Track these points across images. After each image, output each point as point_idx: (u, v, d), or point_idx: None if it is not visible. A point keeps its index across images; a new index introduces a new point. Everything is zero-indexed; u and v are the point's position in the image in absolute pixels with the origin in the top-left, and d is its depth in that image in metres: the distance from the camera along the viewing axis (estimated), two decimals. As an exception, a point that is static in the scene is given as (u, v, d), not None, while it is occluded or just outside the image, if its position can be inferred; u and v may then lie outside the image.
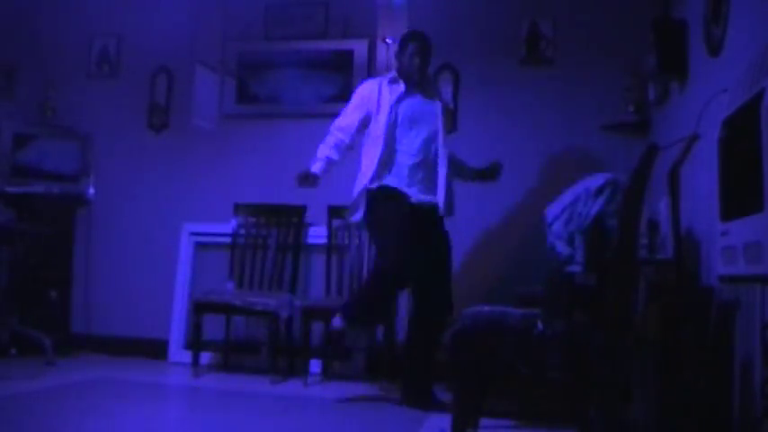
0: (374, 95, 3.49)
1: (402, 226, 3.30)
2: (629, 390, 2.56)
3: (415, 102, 3.47)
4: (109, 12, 4.98)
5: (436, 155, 3.43)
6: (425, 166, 3.42)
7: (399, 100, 3.45)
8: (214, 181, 4.69)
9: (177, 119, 4.83)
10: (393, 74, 3.55)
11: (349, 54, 4.55)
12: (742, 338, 2.23)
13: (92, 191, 4.80)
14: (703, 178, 2.65)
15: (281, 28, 4.75)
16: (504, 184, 4.30)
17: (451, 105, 4.42)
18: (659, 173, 2.75)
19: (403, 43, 3.52)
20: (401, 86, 3.48)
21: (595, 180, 2.82)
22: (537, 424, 3.04)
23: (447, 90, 4.44)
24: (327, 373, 4.13)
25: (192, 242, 4.66)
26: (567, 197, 2.94)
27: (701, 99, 2.72)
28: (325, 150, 3.51)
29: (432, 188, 3.42)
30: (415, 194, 3.39)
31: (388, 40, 4.51)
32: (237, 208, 4.42)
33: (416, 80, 3.48)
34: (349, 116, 3.53)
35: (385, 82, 3.52)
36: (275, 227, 4.34)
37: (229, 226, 4.40)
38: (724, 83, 2.43)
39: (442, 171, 3.43)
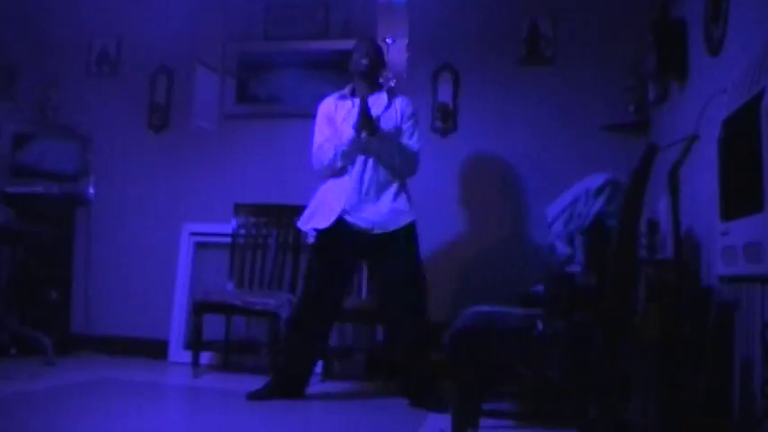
0: (331, 113, 3.51)
1: (320, 282, 3.41)
2: (629, 390, 2.56)
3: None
4: (109, 12, 4.98)
5: (374, 171, 3.38)
6: (361, 185, 3.37)
7: (346, 117, 3.44)
8: (214, 181, 4.69)
9: (177, 119, 4.83)
10: (344, 90, 3.55)
11: (349, 54, 4.55)
12: (742, 338, 2.23)
13: (92, 191, 4.80)
14: (703, 178, 2.65)
15: (281, 28, 4.75)
16: (504, 183, 4.32)
17: (451, 105, 4.43)
18: (659, 173, 2.75)
19: (353, 48, 3.55)
20: (348, 102, 3.48)
21: (595, 180, 2.83)
22: (537, 424, 3.04)
23: (447, 90, 4.45)
24: (327, 373, 4.13)
25: (192, 242, 4.66)
26: (567, 197, 2.95)
27: (701, 99, 2.72)
28: (331, 150, 3.44)
29: (374, 206, 3.37)
30: (354, 217, 3.36)
31: (388, 40, 4.51)
32: (237, 208, 4.41)
33: (366, 83, 3.45)
34: (323, 132, 3.52)
35: (336, 98, 3.54)
36: (275, 227, 4.34)
37: (229, 226, 4.39)
38: (724, 83, 2.43)
39: (378, 187, 3.38)
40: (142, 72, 4.90)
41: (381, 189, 3.40)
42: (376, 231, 3.36)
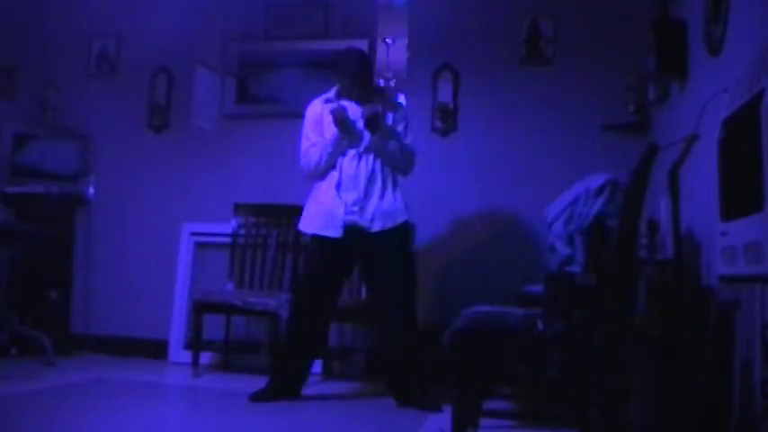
0: (318, 117, 3.49)
1: (320, 283, 3.41)
2: (629, 390, 2.56)
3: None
4: (109, 12, 4.98)
5: (372, 168, 3.40)
6: (359, 181, 3.38)
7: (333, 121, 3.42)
8: (214, 181, 4.69)
9: (177, 119, 4.83)
10: (330, 94, 3.52)
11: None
12: (742, 338, 2.23)
13: (92, 191, 4.80)
14: (703, 178, 2.65)
15: (281, 28, 4.75)
16: (503, 183, 4.32)
17: (451, 105, 4.43)
18: (659, 173, 2.75)
19: (341, 61, 3.51)
20: (334, 105, 3.45)
21: (595, 180, 2.82)
22: (537, 424, 3.04)
23: (447, 90, 4.45)
24: (327, 373, 4.13)
25: (192, 242, 4.66)
26: (566, 197, 2.95)
27: (701, 99, 2.72)
28: (317, 153, 3.46)
29: (373, 203, 3.38)
30: (348, 215, 3.36)
31: (388, 40, 4.51)
32: (237, 208, 4.41)
33: (356, 98, 3.43)
34: (309, 138, 3.50)
35: (323, 102, 3.51)
36: (275, 227, 4.34)
37: (229, 226, 4.39)
38: (724, 83, 2.43)
39: (376, 184, 3.40)
40: (142, 72, 4.90)
41: (380, 186, 3.40)
42: (374, 228, 3.37)
